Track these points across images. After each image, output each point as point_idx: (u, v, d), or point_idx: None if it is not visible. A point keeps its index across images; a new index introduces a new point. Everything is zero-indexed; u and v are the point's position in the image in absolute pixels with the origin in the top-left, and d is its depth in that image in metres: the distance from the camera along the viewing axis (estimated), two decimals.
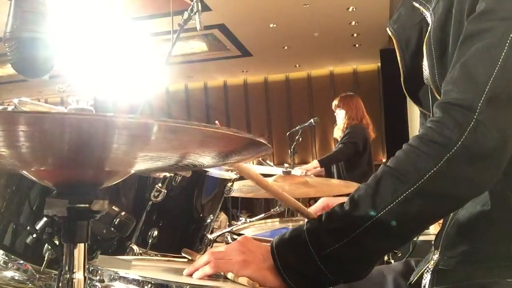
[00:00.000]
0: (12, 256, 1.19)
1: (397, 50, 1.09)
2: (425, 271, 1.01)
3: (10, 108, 1.25)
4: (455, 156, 0.80)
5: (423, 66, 1.03)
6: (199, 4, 1.89)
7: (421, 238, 1.32)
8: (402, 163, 0.84)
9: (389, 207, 0.81)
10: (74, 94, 0.68)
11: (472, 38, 0.85)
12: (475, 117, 0.80)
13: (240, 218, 2.02)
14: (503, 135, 0.81)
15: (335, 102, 4.65)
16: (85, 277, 0.68)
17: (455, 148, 0.80)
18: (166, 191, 1.30)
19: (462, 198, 0.87)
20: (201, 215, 1.52)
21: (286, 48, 9.03)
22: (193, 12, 1.92)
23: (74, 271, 0.67)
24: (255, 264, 0.87)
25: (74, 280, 0.67)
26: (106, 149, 0.58)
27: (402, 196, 0.81)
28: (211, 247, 1.61)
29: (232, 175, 1.55)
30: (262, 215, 2.09)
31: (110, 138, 0.55)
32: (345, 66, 10.49)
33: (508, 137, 0.82)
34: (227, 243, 1.61)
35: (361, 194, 0.85)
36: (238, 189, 1.76)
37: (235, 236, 1.62)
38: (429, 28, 0.99)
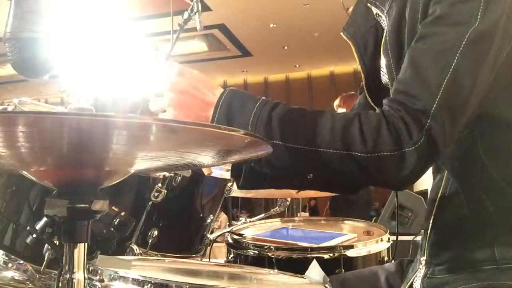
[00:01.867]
0: (12, 256, 1.19)
1: (355, 55, 1.08)
2: (415, 280, 1.02)
3: (10, 108, 1.25)
4: (410, 153, 0.80)
5: (381, 69, 1.03)
6: (199, 4, 1.89)
7: (421, 238, 1.32)
8: (370, 129, 0.83)
9: (330, 151, 0.83)
10: (75, 94, 0.69)
11: (425, 40, 0.85)
12: (428, 122, 0.80)
13: (240, 218, 2.02)
14: (447, 144, 0.83)
15: (336, 102, 4.66)
16: (85, 277, 0.68)
17: (413, 147, 0.80)
18: (166, 191, 1.30)
19: (380, 183, 0.91)
20: (201, 215, 1.52)
21: (286, 48, 9.03)
22: (193, 12, 1.91)
23: (74, 271, 0.67)
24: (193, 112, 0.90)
25: (74, 280, 0.67)
26: (106, 149, 0.58)
27: (350, 153, 0.82)
28: (211, 247, 1.61)
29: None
30: (262, 215, 2.09)
31: (110, 138, 0.55)
32: (345, 66, 10.48)
33: (449, 146, 0.84)
34: (227, 243, 1.61)
35: (325, 121, 0.85)
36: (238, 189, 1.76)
37: (235, 236, 1.61)
38: (385, 31, 0.99)
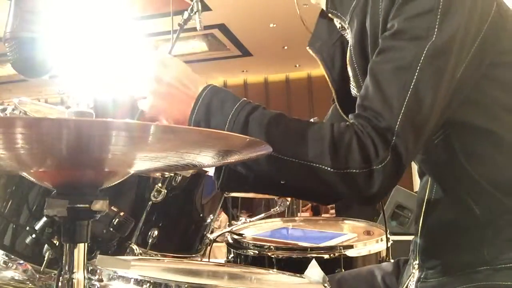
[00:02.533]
0: (12, 256, 1.19)
1: (323, 70, 1.08)
2: (409, 284, 1.02)
3: (10, 108, 1.25)
4: (377, 171, 0.80)
5: (350, 84, 1.03)
6: (199, 4, 1.89)
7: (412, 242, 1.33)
8: (342, 145, 0.83)
9: (301, 161, 0.83)
10: (74, 96, 0.69)
11: (385, 55, 0.85)
12: (393, 139, 0.80)
13: (240, 218, 2.02)
14: (409, 161, 0.83)
15: None
16: (85, 277, 0.68)
17: (380, 165, 0.80)
18: (166, 191, 1.30)
19: (348, 197, 0.90)
20: (201, 215, 1.52)
21: (286, 48, 9.03)
22: (193, 12, 1.91)
23: (74, 271, 0.67)
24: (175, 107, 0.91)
25: (73, 280, 0.67)
26: (105, 150, 0.58)
27: (320, 166, 0.82)
28: (211, 247, 1.61)
29: None
30: (262, 215, 2.09)
31: (109, 140, 0.55)
32: None
33: (410, 163, 0.84)
34: (227, 243, 1.61)
35: (298, 130, 0.85)
36: None
37: (235, 236, 1.62)
38: (349, 44, 0.99)
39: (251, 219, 1.97)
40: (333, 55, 1.07)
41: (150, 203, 1.31)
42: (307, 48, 1.11)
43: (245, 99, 0.90)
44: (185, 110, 0.90)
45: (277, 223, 2.00)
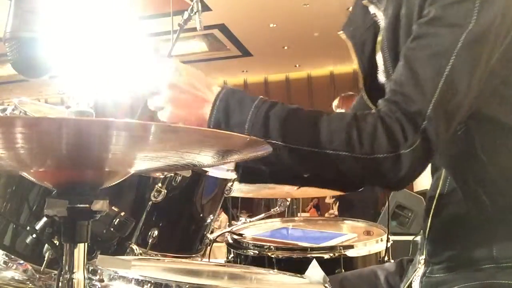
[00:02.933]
0: (12, 256, 1.19)
1: (353, 55, 1.09)
2: (413, 279, 1.02)
3: (10, 108, 1.25)
4: (405, 155, 0.80)
5: (378, 69, 1.03)
6: (199, 4, 1.89)
7: (419, 238, 1.33)
8: (367, 131, 0.83)
9: (327, 151, 0.83)
10: (74, 96, 0.69)
11: (420, 41, 0.85)
12: (424, 124, 0.80)
13: (240, 218, 2.02)
14: (439, 147, 0.83)
15: (335, 103, 4.67)
16: (84, 277, 0.68)
17: (408, 149, 0.80)
18: (166, 191, 1.30)
19: (377, 184, 0.93)
20: (201, 215, 1.52)
21: (286, 48, 9.03)
22: (193, 12, 1.92)
23: (74, 271, 0.67)
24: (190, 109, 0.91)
25: (74, 280, 0.67)
26: (105, 150, 0.58)
27: (346, 154, 0.82)
28: (211, 247, 1.61)
29: (232, 175, 1.55)
30: (262, 215, 2.09)
31: (109, 139, 0.55)
32: (345, 66, 10.47)
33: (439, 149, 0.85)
34: (227, 243, 1.61)
35: (322, 122, 0.85)
36: (238, 189, 1.76)
37: (235, 236, 1.62)
38: (381, 30, 0.99)
39: (251, 219, 1.97)
40: (364, 41, 1.07)
41: (150, 203, 1.31)
42: (340, 32, 1.12)
43: (262, 97, 0.91)
44: (204, 114, 0.90)
45: (277, 223, 2.00)
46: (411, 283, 1.02)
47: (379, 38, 1.00)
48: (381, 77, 1.04)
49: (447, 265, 0.96)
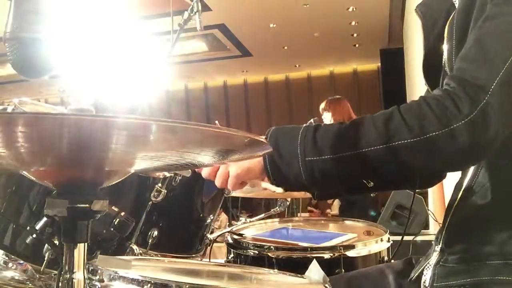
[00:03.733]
0: (12, 256, 1.19)
1: (422, 31, 1.09)
2: (426, 267, 1.01)
3: (10, 108, 1.25)
4: (460, 129, 0.80)
5: (442, 48, 1.03)
6: (199, 4, 1.89)
7: (421, 238, 1.33)
8: (412, 114, 0.84)
9: (379, 147, 0.85)
10: (74, 94, 0.69)
11: (493, 19, 0.85)
12: (486, 98, 0.79)
13: (240, 218, 2.02)
14: (505, 124, 0.82)
15: (322, 106, 4.69)
16: (85, 277, 0.68)
17: (462, 122, 0.80)
18: (166, 191, 1.30)
19: (438, 167, 0.94)
20: (201, 215, 1.52)
21: (286, 48, 9.03)
22: (193, 12, 1.92)
23: (74, 271, 0.67)
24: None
25: (74, 280, 0.67)
26: (106, 149, 0.58)
27: (398, 143, 0.83)
28: (211, 247, 1.61)
29: None
30: (262, 215, 2.09)
31: (110, 138, 0.55)
32: (345, 66, 10.48)
33: (507, 128, 0.83)
34: (227, 243, 1.61)
35: (365, 123, 0.88)
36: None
37: (235, 236, 1.61)
38: (455, 11, 0.99)
39: (251, 219, 1.97)
40: (435, 21, 1.07)
41: (150, 203, 1.31)
42: (415, 10, 1.12)
43: (305, 125, 0.96)
44: (259, 160, 0.97)
45: (276, 223, 2.00)
46: (422, 270, 1.02)
47: (449, 20, 1.00)
48: (444, 57, 1.03)
49: (461, 256, 0.96)
